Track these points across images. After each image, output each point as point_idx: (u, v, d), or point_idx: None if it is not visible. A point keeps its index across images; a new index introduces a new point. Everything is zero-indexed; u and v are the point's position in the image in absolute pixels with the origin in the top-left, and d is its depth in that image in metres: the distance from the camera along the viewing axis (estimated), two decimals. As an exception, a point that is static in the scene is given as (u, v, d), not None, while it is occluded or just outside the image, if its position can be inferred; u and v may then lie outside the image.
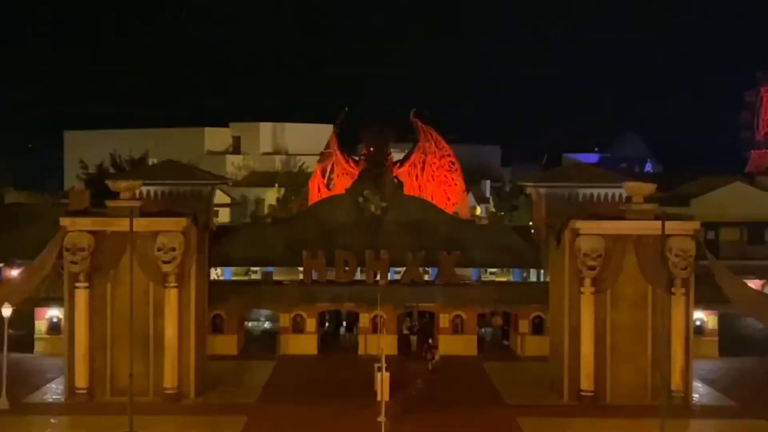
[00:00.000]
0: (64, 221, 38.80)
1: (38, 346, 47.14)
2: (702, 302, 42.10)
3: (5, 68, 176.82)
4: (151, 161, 78.20)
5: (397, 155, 63.76)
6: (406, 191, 54.38)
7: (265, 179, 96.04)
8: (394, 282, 49.55)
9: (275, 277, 52.70)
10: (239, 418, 36.25)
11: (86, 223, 38.78)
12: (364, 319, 48.32)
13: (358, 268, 49.61)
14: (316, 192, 60.60)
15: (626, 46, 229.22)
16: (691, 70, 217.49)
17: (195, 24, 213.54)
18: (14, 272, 48.60)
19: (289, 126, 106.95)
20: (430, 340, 46.74)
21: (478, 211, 65.28)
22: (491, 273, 63.40)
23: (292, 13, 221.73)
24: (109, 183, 41.21)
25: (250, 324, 54.96)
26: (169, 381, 38.45)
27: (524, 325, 48.50)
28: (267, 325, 55.60)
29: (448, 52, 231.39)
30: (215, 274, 58.99)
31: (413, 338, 48.88)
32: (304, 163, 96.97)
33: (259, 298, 48.83)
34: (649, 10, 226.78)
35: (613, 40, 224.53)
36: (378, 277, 48.58)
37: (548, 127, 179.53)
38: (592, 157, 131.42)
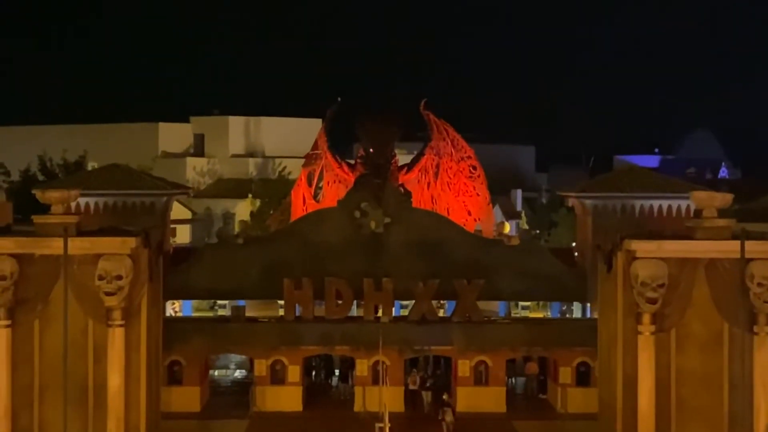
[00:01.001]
0: (-20, 242, 38.87)
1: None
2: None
3: None
4: (91, 165, 78.49)
5: (403, 158, 63.88)
6: (414, 203, 54.48)
7: (235, 188, 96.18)
8: (399, 319, 49.55)
9: (248, 313, 52.72)
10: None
11: (7, 244, 38.83)
12: (362, 367, 48.33)
13: (354, 302, 49.61)
14: (300, 204, 60.67)
15: (694, 21, 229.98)
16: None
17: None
18: None
19: (266, 121, 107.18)
20: (444, 396, 46.78)
21: (507, 228, 65.31)
22: (523, 308, 63.32)
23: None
24: (37, 193, 41.28)
25: (216, 373, 54.94)
26: (113, 445, 38.38)
27: (566, 374, 48.46)
28: (238, 374, 55.57)
29: (467, 31, 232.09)
30: (172, 309, 59.12)
31: (426, 395, 48.70)
32: (284, 167, 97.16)
33: (227, 340, 48.84)
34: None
35: (678, 13, 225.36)
36: (379, 313, 48.56)
37: (595, 122, 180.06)
38: (651, 160, 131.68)
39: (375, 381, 47.24)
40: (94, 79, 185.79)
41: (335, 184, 59.15)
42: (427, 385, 49.11)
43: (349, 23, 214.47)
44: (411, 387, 48.95)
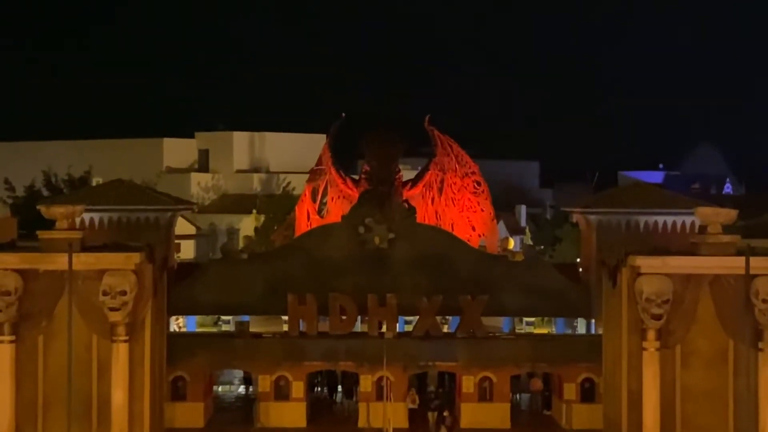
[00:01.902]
0: (-15, 257, 38.93)
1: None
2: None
3: None
4: (96, 181, 78.56)
5: (407, 173, 63.93)
6: (419, 219, 54.45)
7: (239, 204, 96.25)
8: (403, 334, 49.47)
9: (252, 329, 52.73)
10: None
11: (12, 259, 38.88)
12: (366, 382, 48.25)
13: (359, 317, 49.56)
14: (304, 220, 60.68)
15: (698, 37, 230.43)
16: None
17: (152, 12, 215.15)
18: None
19: (270, 136, 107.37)
20: (445, 413, 46.75)
21: (512, 244, 65.32)
22: (528, 323, 63.20)
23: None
24: (42, 208, 41.36)
25: (220, 388, 54.89)
26: (117, 461, 38.40)
27: (570, 390, 48.36)
28: (242, 389, 55.51)
29: (468, 45, 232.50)
30: (176, 324, 59.07)
31: (432, 415, 48.50)
32: (289, 183, 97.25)
33: (231, 356, 48.77)
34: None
35: (682, 29, 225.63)
36: (384, 329, 48.52)
37: (599, 137, 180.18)
38: (655, 176, 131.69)
39: (379, 397, 47.18)
40: (98, 94, 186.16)
41: (339, 200, 59.18)
42: (432, 406, 48.85)
43: (353, 38, 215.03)
44: (410, 406, 48.64)
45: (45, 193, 79.61)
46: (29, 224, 54.11)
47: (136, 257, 38.79)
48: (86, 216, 49.63)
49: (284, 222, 70.11)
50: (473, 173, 60.45)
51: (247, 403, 51.14)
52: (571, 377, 48.25)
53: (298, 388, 48.29)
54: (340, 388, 53.43)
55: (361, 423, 48.04)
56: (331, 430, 47.84)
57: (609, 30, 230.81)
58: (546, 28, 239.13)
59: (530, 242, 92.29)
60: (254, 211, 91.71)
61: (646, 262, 38.82)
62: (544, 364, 48.88)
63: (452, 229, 57.14)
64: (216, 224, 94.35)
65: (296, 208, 62.37)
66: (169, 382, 46.39)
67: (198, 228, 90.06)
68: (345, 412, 50.95)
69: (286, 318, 49.99)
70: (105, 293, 38.13)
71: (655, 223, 50.71)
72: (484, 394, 48.26)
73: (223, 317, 62.57)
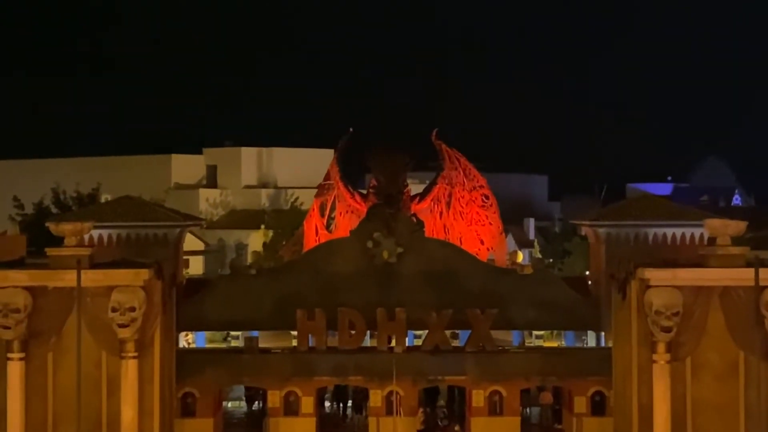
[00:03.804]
0: (-6, 274, 39.00)
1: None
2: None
3: None
4: (104, 198, 78.68)
5: (415, 187, 63.92)
6: (427, 233, 54.44)
7: (248, 219, 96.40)
8: (413, 349, 49.46)
9: (261, 344, 52.65)
10: None
11: (21, 276, 38.95)
12: (376, 397, 48.23)
13: (368, 332, 49.57)
14: (313, 235, 60.67)
15: (703, 46, 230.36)
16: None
17: (159, 29, 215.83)
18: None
19: (278, 151, 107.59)
20: (456, 427, 46.65)
21: (520, 257, 65.12)
22: (537, 337, 63.11)
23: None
24: (51, 225, 41.45)
25: (229, 404, 54.88)
26: (127, 478, 38.40)
27: (581, 404, 48.24)
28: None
29: (477, 59, 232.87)
30: (185, 340, 59.04)
31: None
32: (297, 198, 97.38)
33: (241, 372, 48.79)
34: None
35: (688, 37, 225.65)
36: (393, 343, 48.51)
37: (607, 150, 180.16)
38: (664, 188, 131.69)
39: (389, 412, 47.14)
40: (106, 111, 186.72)
41: (348, 215, 59.17)
42: (442, 425, 48.71)
43: (360, 53, 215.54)
44: (420, 427, 48.39)
45: (54, 210, 79.70)
46: (38, 241, 54.24)
47: (144, 273, 38.87)
48: (95, 233, 49.67)
49: (292, 237, 70.13)
50: (481, 187, 60.41)
51: (257, 420, 51.10)
52: (582, 391, 48.15)
53: (307, 404, 48.26)
54: (350, 403, 53.41)
55: (371, 438, 48.04)
56: (341, 445, 47.82)
57: (616, 42, 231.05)
58: (554, 40, 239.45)
59: (539, 255, 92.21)
60: (262, 226, 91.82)
61: (655, 275, 38.79)
62: (554, 377, 48.80)
63: (461, 243, 57.09)
64: (224, 240, 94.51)
65: (304, 223, 62.33)
66: (179, 398, 46.41)
67: (206, 244, 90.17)
68: (355, 427, 50.91)
69: (295, 333, 50.02)
70: (114, 310, 38.21)
71: (664, 235, 50.62)
72: (494, 408, 48.19)
73: (232, 333, 62.56)
